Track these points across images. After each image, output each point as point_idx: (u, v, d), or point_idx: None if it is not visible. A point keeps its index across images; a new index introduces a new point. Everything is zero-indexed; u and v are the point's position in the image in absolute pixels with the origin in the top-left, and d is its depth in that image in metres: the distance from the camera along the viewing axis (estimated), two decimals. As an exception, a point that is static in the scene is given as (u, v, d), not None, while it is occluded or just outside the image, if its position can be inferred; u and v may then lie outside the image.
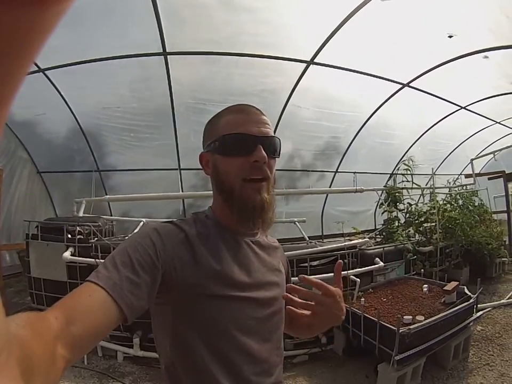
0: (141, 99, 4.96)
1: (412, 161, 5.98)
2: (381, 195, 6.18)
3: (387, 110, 6.22)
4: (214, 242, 0.88)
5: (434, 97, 6.13)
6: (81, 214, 4.99)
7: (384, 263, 4.45)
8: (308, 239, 5.42)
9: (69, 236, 4.14)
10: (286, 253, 3.46)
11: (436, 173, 6.06)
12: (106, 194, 6.02)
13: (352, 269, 4.25)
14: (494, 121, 7.77)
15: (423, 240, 5.57)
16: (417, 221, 5.85)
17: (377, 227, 6.99)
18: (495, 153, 8.23)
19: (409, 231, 5.80)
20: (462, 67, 5.05)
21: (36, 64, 4.20)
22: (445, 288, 3.69)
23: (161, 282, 0.76)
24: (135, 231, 4.98)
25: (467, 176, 7.96)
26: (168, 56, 4.26)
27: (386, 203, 5.87)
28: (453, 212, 5.86)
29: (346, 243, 4.58)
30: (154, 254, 0.76)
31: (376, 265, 4.39)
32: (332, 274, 3.64)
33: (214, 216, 0.95)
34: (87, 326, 0.59)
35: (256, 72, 4.75)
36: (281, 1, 3.75)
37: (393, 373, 2.91)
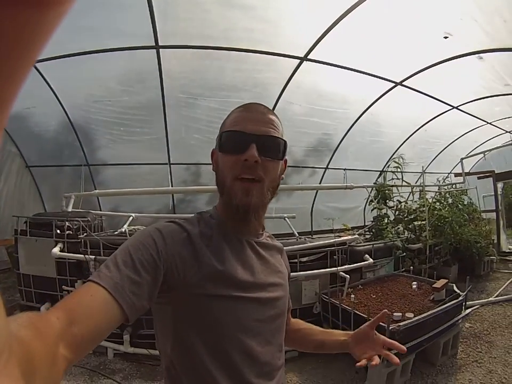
0: (132, 93, 4.90)
1: (402, 159, 6.04)
2: (370, 192, 6.23)
3: (379, 108, 6.25)
4: (217, 242, 0.87)
5: (427, 96, 6.18)
6: (70, 209, 4.92)
7: (373, 259, 4.50)
8: (297, 235, 5.45)
9: (58, 231, 4.09)
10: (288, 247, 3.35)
11: (426, 171, 6.11)
12: (96, 189, 5.94)
13: (341, 265, 4.28)
14: (485, 121, 7.87)
15: (413, 237, 5.64)
16: (406, 218, 5.91)
17: (366, 224, 7.04)
18: (485, 153, 8.38)
19: (398, 228, 5.86)
20: (455, 67, 5.09)
21: None
22: (434, 285, 3.74)
23: (163, 281, 0.75)
24: (125, 226, 5.02)
25: (457, 175, 8.06)
26: (160, 49, 4.21)
27: (376, 200, 5.92)
28: (443, 210, 5.94)
29: (336, 239, 4.61)
30: (156, 254, 0.75)
31: (366, 262, 4.42)
32: (322, 270, 3.63)
33: (218, 216, 0.94)
34: (89, 326, 0.59)
35: (248, 67, 4.72)
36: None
37: (383, 369, 2.95)
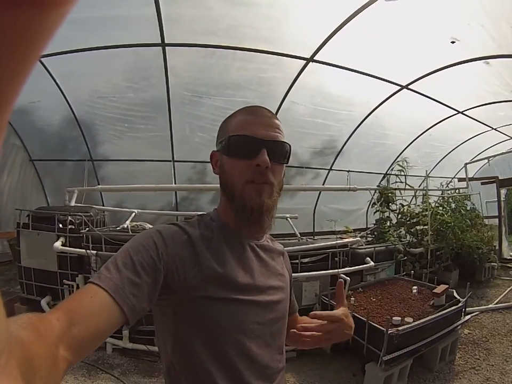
0: (137, 89, 4.90)
1: (406, 162, 6.02)
2: (373, 195, 6.22)
3: (384, 111, 6.23)
4: (218, 244, 0.87)
5: (432, 100, 6.15)
6: (73, 204, 4.95)
7: (374, 262, 4.49)
8: (299, 235, 5.44)
9: (60, 225, 4.11)
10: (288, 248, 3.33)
11: (429, 175, 6.09)
12: (99, 184, 5.96)
13: (342, 268, 4.27)
14: (490, 127, 7.83)
15: (414, 241, 5.62)
16: (409, 222, 5.90)
17: (368, 226, 7.02)
18: (489, 159, 8.33)
19: (400, 231, 5.85)
20: (461, 72, 5.06)
21: None
22: (434, 291, 3.74)
23: (163, 284, 0.75)
24: (127, 221, 5.02)
25: (460, 180, 8.05)
26: (166, 47, 4.21)
27: (379, 203, 5.91)
28: (445, 215, 5.91)
29: (338, 241, 4.60)
30: (156, 256, 0.75)
31: (367, 265, 4.42)
32: (323, 272, 3.64)
33: (218, 219, 0.94)
34: (89, 328, 0.59)
35: (254, 66, 4.71)
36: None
37: (380, 373, 2.95)
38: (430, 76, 5.30)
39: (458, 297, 3.69)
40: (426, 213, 5.53)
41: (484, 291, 5.83)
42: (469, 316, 4.52)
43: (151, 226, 4.82)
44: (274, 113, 3.09)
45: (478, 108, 6.55)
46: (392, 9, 3.82)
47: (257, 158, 0.84)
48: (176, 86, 5.04)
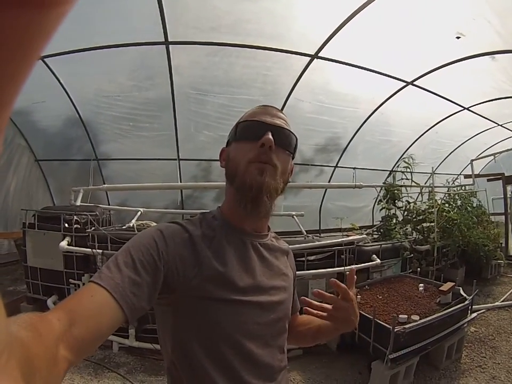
0: (142, 88, 4.89)
1: (412, 159, 5.98)
2: (379, 192, 6.19)
3: (389, 107, 6.18)
4: (219, 244, 0.87)
5: (438, 96, 6.10)
6: (78, 203, 4.96)
7: (381, 260, 4.47)
8: (305, 233, 5.42)
9: (66, 225, 4.12)
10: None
11: (435, 172, 6.04)
12: (104, 183, 5.98)
13: (349, 265, 4.25)
14: (496, 123, 7.76)
15: (421, 238, 5.59)
16: (415, 219, 5.86)
17: (375, 224, 6.99)
18: (496, 156, 8.23)
19: (406, 229, 5.82)
20: (467, 68, 5.01)
21: None
22: (440, 288, 3.71)
23: (163, 283, 0.75)
24: (133, 220, 5.04)
25: (466, 176, 7.97)
26: (170, 45, 4.20)
27: (385, 200, 5.88)
28: (451, 212, 5.87)
29: (344, 239, 4.58)
30: (157, 255, 0.75)
31: (373, 262, 4.41)
32: (329, 269, 3.63)
33: (221, 217, 0.94)
34: (90, 328, 0.59)
35: (258, 64, 4.69)
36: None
37: (386, 371, 2.93)
38: (435, 71, 5.25)
39: (464, 295, 3.67)
40: (433, 210, 5.49)
41: (490, 288, 5.78)
42: (475, 314, 4.47)
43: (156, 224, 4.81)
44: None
45: (483, 104, 6.50)
46: (396, 4, 3.78)
47: (262, 139, 0.85)
48: (181, 84, 5.04)
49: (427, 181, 7.09)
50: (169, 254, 0.77)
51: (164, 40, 4.06)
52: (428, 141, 7.80)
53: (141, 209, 5.42)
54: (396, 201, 5.84)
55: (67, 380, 3.14)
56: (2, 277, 5.03)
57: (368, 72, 5.13)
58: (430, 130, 7.45)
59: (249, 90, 5.12)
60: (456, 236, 5.58)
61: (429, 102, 6.20)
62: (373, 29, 4.21)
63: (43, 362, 0.47)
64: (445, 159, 9.09)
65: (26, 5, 0.18)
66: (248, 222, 0.93)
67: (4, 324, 0.31)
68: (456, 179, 7.41)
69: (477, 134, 8.30)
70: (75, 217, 4.18)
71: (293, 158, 0.95)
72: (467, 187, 7.18)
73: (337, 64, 4.83)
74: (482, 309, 4.83)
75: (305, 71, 4.84)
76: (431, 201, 5.83)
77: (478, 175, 8.16)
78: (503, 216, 7.82)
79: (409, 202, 6.03)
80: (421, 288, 4.00)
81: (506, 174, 8.00)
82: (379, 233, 5.88)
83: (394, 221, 5.74)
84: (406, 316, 3.27)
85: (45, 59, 4.28)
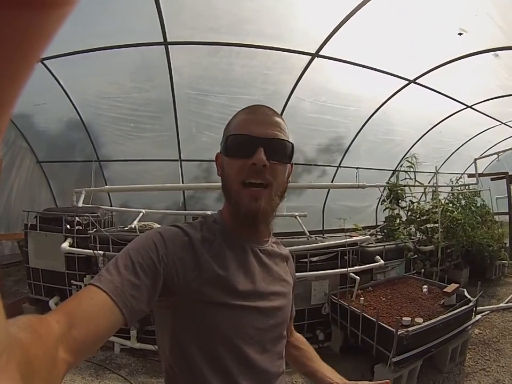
0: (142, 89, 4.87)
1: (415, 158, 5.91)
2: (383, 192, 6.14)
3: (392, 106, 6.10)
4: (219, 248, 0.86)
5: (441, 94, 6.01)
6: (80, 204, 4.96)
7: (384, 261, 4.41)
8: (308, 233, 5.38)
9: (68, 226, 4.12)
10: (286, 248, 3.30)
11: (439, 171, 5.97)
12: (106, 185, 5.97)
13: (352, 266, 4.22)
14: (500, 121, 7.67)
15: (424, 239, 5.52)
16: (419, 219, 5.80)
17: (378, 224, 6.93)
18: (499, 154, 8.14)
19: (410, 229, 5.75)
20: (470, 65, 4.93)
21: None
22: (444, 290, 3.66)
23: (163, 286, 0.75)
24: (135, 221, 5.02)
25: (470, 175, 7.88)
26: (169, 46, 4.17)
27: (388, 200, 5.83)
28: (455, 212, 5.80)
29: (347, 240, 4.52)
30: (156, 257, 0.75)
31: (377, 263, 4.36)
32: (332, 271, 3.59)
33: (222, 221, 0.93)
34: (89, 330, 0.59)
35: (258, 63, 4.65)
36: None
37: (389, 375, 2.89)
38: (437, 69, 5.17)
39: (469, 297, 3.62)
40: (436, 209, 5.43)
41: (495, 289, 5.71)
42: (479, 316, 4.43)
43: (159, 226, 4.82)
44: (281, 110, 3.44)
45: (486, 101, 6.41)
46: (397, 0, 3.73)
47: (253, 157, 0.81)
48: (181, 85, 5.00)
49: (430, 180, 7.04)
50: (169, 257, 0.77)
51: (162, 40, 4.04)
52: (431, 139, 7.70)
53: (143, 211, 5.38)
54: (400, 201, 5.77)
55: (68, 381, 3.14)
56: (5, 278, 5.04)
57: (370, 70, 5.07)
58: (433, 129, 7.36)
59: (250, 90, 5.08)
60: (460, 236, 5.51)
61: (431, 100, 6.11)
62: (374, 26, 4.15)
63: (43, 363, 0.47)
64: (448, 158, 8.99)
65: (27, 5, 0.17)
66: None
67: (3, 325, 0.32)
68: (459, 178, 7.35)
69: (481, 133, 8.19)
70: (77, 219, 4.18)
71: (290, 162, 0.92)
72: (471, 186, 7.10)
73: (338, 62, 4.77)
74: (486, 311, 4.76)
75: (306, 70, 4.78)
76: (434, 201, 5.77)
77: (482, 174, 8.09)
78: (507, 216, 7.73)
79: (412, 202, 5.96)
80: (425, 290, 3.96)
81: (510, 173, 7.91)
82: (383, 233, 5.82)
83: (398, 221, 5.67)
84: (410, 319, 3.22)
85: (45, 61, 4.27)
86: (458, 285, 3.73)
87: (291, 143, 0.89)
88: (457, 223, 5.60)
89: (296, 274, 3.37)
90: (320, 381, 1.14)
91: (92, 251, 3.70)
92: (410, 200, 5.94)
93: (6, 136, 5.59)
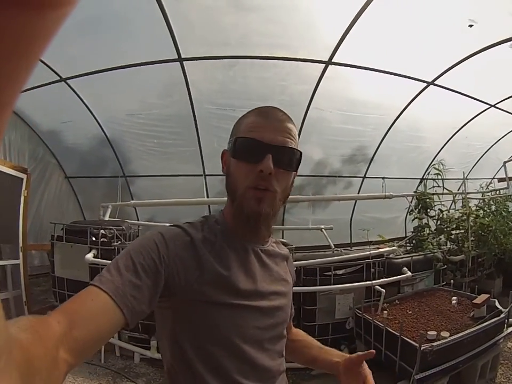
0: (163, 105, 4.96)
1: (442, 165, 5.64)
2: (411, 201, 5.88)
3: (414, 111, 5.83)
4: (220, 248, 0.86)
5: (461, 95, 5.64)
6: (106, 218, 5.10)
7: (412, 272, 4.22)
8: (333, 246, 5.23)
9: (93, 238, 4.26)
10: (309, 261, 3.69)
11: (467, 177, 5.65)
12: (132, 199, 6.10)
13: (378, 279, 4.05)
14: (527, 120, 7.09)
15: (455, 248, 5.20)
16: (448, 228, 5.49)
17: (408, 235, 6.62)
18: (530, 156, 7.59)
19: (440, 239, 5.44)
20: (487, 60, 4.61)
21: (57, 74, 4.39)
22: (474, 301, 3.39)
23: (164, 286, 0.75)
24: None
25: (500, 180, 7.32)
26: (184, 62, 4.25)
27: (417, 209, 5.58)
28: (486, 218, 5.45)
29: (372, 251, 4.35)
30: (158, 258, 0.75)
31: (403, 275, 4.16)
32: (356, 284, 3.46)
33: (223, 221, 0.93)
34: (90, 331, 0.59)
35: (272, 75, 4.61)
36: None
37: (414, 391, 2.69)
38: (455, 68, 4.86)
39: (500, 308, 3.33)
40: (466, 217, 5.13)
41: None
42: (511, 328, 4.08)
43: None
44: (300, 122, 3.93)
45: (510, 99, 5.97)
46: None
47: (261, 164, 0.81)
48: (200, 100, 5.06)
49: (460, 187, 6.65)
50: (170, 257, 0.77)
51: (177, 57, 4.12)
52: (457, 144, 7.22)
53: (167, 225, 5.43)
54: (428, 210, 5.51)
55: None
56: (33, 287, 5.21)
57: (386, 75, 4.86)
58: (458, 133, 6.92)
59: (267, 102, 4.87)
60: (492, 244, 5.11)
61: (453, 102, 5.77)
62: (383, 28, 4.01)
63: (43, 364, 0.47)
64: (476, 163, 8.36)
65: (25, 5, 0.17)
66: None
67: (3, 326, 0.32)
68: (489, 184, 6.88)
69: (508, 133, 7.61)
70: (102, 231, 4.31)
71: (296, 170, 0.92)
72: (501, 191, 6.63)
73: (353, 69, 4.64)
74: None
75: (321, 78, 4.68)
76: (464, 209, 5.44)
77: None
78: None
79: (442, 211, 5.66)
80: (454, 302, 3.70)
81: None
82: (411, 244, 5.55)
83: (427, 231, 5.39)
84: (435, 333, 3.01)
85: (68, 81, 4.49)
86: (488, 295, 3.45)
87: (299, 151, 0.88)
88: (488, 230, 5.23)
89: (320, 287, 3.27)
90: (322, 364, 1.14)
91: (115, 262, 3.77)
92: (439, 209, 5.64)
93: (34, 152, 5.93)
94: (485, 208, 5.88)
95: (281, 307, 0.94)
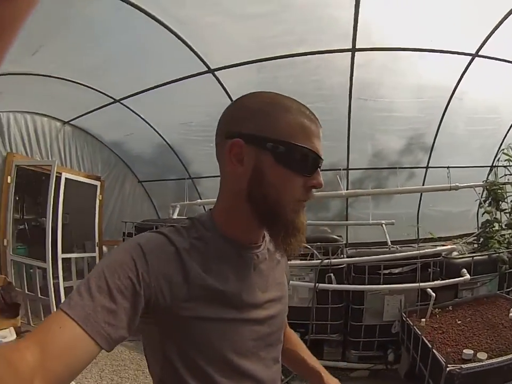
0: (209, 113, 4.98)
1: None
2: (482, 193, 4.99)
3: (466, 90, 4.75)
4: (211, 256, 0.75)
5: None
6: (175, 216, 5.46)
7: (472, 275, 3.61)
8: (389, 243, 4.77)
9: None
10: (354, 258, 3.74)
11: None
12: (200, 199, 6.39)
13: (433, 280, 3.59)
14: None
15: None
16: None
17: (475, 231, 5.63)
18: None
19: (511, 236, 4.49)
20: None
21: (111, 97, 4.81)
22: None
23: (145, 306, 0.66)
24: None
25: None
26: (215, 72, 4.23)
27: (487, 202, 4.71)
28: None
29: (426, 250, 3.86)
30: (135, 277, 0.64)
31: (461, 278, 3.58)
32: (407, 285, 3.07)
33: (214, 226, 0.80)
34: (62, 361, 0.54)
35: (300, 72, 4.30)
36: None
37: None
38: (495, 33, 3.66)
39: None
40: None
41: None
42: None
43: None
44: (347, 115, 4.52)
45: None
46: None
47: (315, 179, 0.75)
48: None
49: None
50: (150, 275, 0.66)
51: (206, 69, 4.14)
52: None
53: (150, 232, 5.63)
54: (500, 202, 4.60)
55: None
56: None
57: (425, 53, 3.97)
58: None
59: (306, 99, 4.66)
60: None
61: (509, 74, 4.40)
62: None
63: None
64: None
65: None
66: (246, 234, 0.81)
67: None
68: None
69: None
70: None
71: None
72: None
73: (382, 52, 3.95)
74: None
75: (353, 67, 4.13)
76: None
77: None
78: None
79: (515, 203, 4.64)
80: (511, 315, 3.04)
81: None
82: (479, 242, 4.72)
83: (496, 227, 4.49)
84: (473, 352, 2.51)
85: (122, 101, 4.88)
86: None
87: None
88: None
89: (368, 286, 3.02)
90: (307, 371, 1.09)
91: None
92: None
93: (107, 160, 6.57)
94: None
95: (277, 314, 0.85)
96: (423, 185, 6.02)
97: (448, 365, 2.32)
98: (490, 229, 4.45)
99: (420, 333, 2.95)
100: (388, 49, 3.82)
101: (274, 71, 4.23)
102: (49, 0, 2.56)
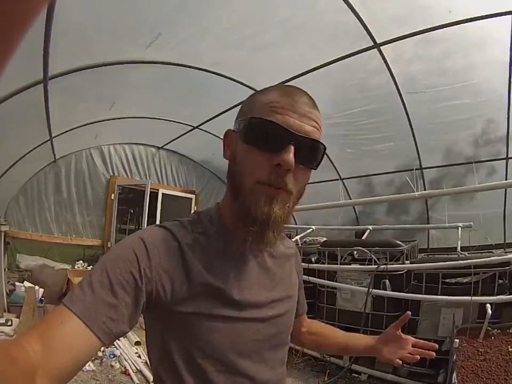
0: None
1: None
2: None
3: None
4: (213, 253, 0.70)
5: None
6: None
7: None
8: (459, 250, 4.04)
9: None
10: (413, 265, 3.41)
11: None
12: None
13: (498, 294, 2.97)
14: None
15: None
16: None
17: None
18: None
19: None
20: None
21: (190, 125, 5.54)
22: None
23: (147, 302, 0.63)
24: (297, 236, 5.17)
25: None
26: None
27: None
28: None
29: (494, 257, 3.18)
30: (137, 272, 0.61)
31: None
32: (461, 297, 3.04)
33: (219, 220, 0.74)
34: (64, 356, 0.51)
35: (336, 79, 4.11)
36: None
37: None
38: None
39: None
40: None
41: None
42: None
43: (325, 239, 4.95)
44: (404, 112, 3.62)
45: None
46: None
47: (280, 156, 0.62)
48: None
49: None
50: (152, 270, 0.63)
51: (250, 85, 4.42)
52: None
53: (313, 227, 5.58)
54: None
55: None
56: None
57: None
58: None
59: (354, 104, 4.43)
60: None
61: None
62: None
63: None
64: None
65: None
66: (248, 227, 0.69)
67: None
68: None
69: None
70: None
71: (317, 168, 0.71)
72: None
73: (407, 39, 3.28)
74: None
75: (387, 62, 3.63)
76: None
77: None
78: None
79: None
80: None
81: None
82: None
83: None
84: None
85: (199, 127, 5.58)
86: None
87: (324, 146, 0.68)
88: None
89: (420, 295, 2.79)
90: (356, 350, 1.05)
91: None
92: None
93: (201, 176, 7.26)
94: None
95: (284, 313, 0.78)
96: (506, 179, 4.68)
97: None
98: None
99: (455, 357, 2.43)
100: (411, 35, 3.22)
101: (316, 82, 4.10)
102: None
